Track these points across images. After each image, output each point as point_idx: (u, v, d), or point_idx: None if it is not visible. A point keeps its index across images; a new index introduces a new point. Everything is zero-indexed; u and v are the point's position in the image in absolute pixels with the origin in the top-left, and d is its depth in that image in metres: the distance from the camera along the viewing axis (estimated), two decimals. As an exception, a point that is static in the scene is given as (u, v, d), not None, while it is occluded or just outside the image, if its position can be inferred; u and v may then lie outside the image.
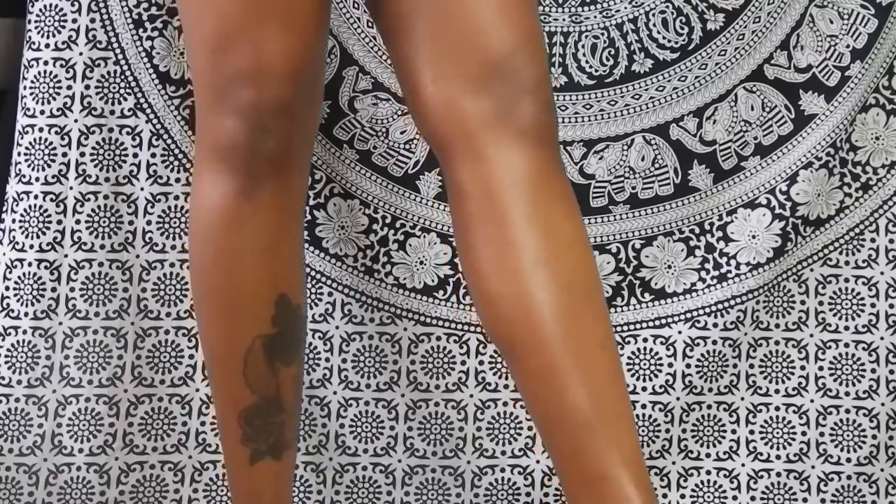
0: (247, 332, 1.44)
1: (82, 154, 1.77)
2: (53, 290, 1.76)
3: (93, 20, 1.76)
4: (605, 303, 1.32)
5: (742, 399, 1.82)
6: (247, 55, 1.37)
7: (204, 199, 1.43)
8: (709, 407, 1.82)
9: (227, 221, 1.43)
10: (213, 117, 1.40)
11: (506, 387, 1.82)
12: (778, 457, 1.82)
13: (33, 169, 1.76)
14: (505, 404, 1.81)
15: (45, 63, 1.76)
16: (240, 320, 1.45)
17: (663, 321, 1.81)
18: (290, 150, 1.41)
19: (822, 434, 1.82)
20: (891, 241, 1.83)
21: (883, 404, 1.82)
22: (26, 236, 1.75)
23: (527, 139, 1.32)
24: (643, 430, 1.80)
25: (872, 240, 1.83)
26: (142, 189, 1.78)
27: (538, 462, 1.81)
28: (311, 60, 1.39)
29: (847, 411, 1.82)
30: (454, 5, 1.33)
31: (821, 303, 1.83)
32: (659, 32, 1.82)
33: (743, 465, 1.82)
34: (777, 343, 1.83)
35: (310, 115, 1.42)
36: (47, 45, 1.76)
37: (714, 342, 1.80)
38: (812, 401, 1.82)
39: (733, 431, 1.82)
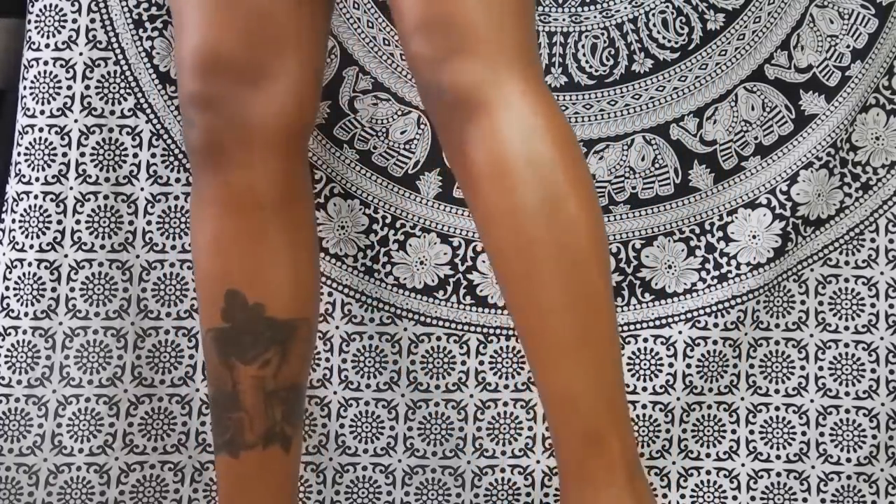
0: (204, 322, 1.45)
1: (82, 154, 1.77)
2: (53, 290, 1.76)
3: (93, 20, 1.76)
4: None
5: (742, 399, 1.82)
6: (184, 45, 1.38)
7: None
8: (709, 407, 1.82)
9: (191, 214, 1.46)
10: None
11: (506, 387, 1.81)
12: (778, 457, 1.82)
13: (33, 169, 1.76)
14: (505, 404, 1.81)
15: (45, 63, 1.76)
16: (200, 310, 1.47)
17: (664, 321, 1.81)
18: (221, 144, 1.40)
19: (822, 434, 1.82)
20: (891, 241, 1.83)
21: (883, 404, 1.82)
22: (26, 236, 1.75)
23: None
24: (643, 430, 1.80)
25: (872, 240, 1.83)
26: (142, 189, 1.78)
27: (538, 462, 1.81)
28: (236, 54, 1.38)
29: (847, 411, 1.82)
30: None
31: (821, 303, 1.83)
32: (659, 32, 1.82)
33: (743, 465, 1.82)
34: (777, 343, 1.83)
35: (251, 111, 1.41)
36: (47, 45, 1.76)
37: (714, 342, 1.80)
38: (812, 401, 1.82)
39: (733, 431, 1.82)
